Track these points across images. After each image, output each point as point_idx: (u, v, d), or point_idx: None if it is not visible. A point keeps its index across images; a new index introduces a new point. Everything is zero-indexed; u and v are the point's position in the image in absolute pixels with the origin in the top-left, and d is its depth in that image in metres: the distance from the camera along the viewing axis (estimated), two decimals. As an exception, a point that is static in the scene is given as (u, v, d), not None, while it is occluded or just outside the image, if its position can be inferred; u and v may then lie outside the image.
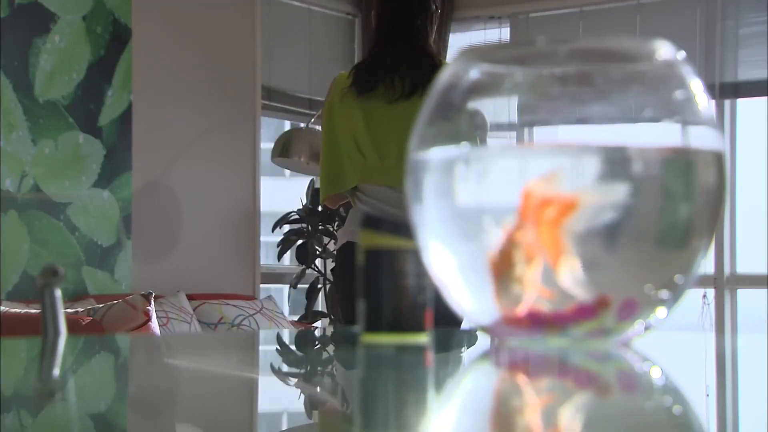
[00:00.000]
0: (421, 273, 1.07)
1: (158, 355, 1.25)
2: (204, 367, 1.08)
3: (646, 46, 0.96)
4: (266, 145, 5.38)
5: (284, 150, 4.84)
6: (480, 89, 0.98)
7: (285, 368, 1.14)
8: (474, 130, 0.95)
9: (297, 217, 5.20)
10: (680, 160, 0.93)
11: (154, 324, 4.02)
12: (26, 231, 4.31)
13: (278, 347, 1.42)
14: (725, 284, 5.29)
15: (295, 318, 5.27)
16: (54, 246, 4.40)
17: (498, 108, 1.00)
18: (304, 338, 1.64)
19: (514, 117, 0.98)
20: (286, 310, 5.51)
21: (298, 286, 5.23)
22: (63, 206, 4.44)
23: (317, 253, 5.18)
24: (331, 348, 1.40)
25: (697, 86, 0.95)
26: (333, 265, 5.22)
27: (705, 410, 0.78)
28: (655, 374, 0.95)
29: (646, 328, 0.94)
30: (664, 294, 0.92)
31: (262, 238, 5.37)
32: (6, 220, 4.24)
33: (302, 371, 1.13)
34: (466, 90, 0.98)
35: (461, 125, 0.96)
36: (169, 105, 4.94)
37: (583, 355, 0.95)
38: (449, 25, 5.84)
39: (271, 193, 5.83)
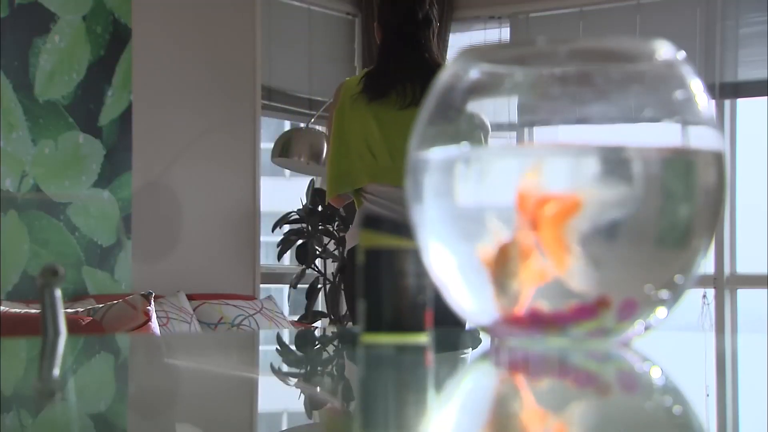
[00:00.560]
0: (421, 273, 1.07)
1: (158, 355, 1.25)
2: (204, 367, 1.08)
3: (646, 46, 0.96)
4: (266, 145, 5.38)
5: (284, 150, 4.84)
6: (480, 89, 0.98)
7: (285, 368, 1.14)
8: (475, 131, 0.95)
9: (297, 217, 5.20)
10: (680, 160, 0.93)
11: (154, 324, 4.02)
12: (26, 231, 4.31)
13: (278, 347, 1.42)
14: (725, 284, 5.29)
15: (295, 318, 5.27)
16: (54, 246, 4.40)
17: (498, 108, 1.00)
18: (304, 338, 1.64)
19: (514, 117, 0.98)
20: (286, 310, 5.51)
21: (298, 286, 5.23)
22: (63, 206, 4.44)
23: (317, 253, 5.18)
24: (331, 348, 1.40)
25: (697, 86, 0.95)
26: (335, 265, 5.26)
27: (705, 410, 0.78)
28: (655, 374, 0.95)
29: (646, 328, 0.94)
30: (664, 294, 0.92)
31: (262, 238, 5.37)
32: (6, 220, 4.24)
33: (302, 371, 1.13)
34: (466, 90, 0.98)
35: (461, 127, 0.96)
36: (169, 105, 4.94)
37: (583, 355, 0.95)
38: (449, 25, 5.84)
39: (271, 193, 5.83)
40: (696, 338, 1.69)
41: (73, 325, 3.63)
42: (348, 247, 2.94)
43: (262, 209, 5.33)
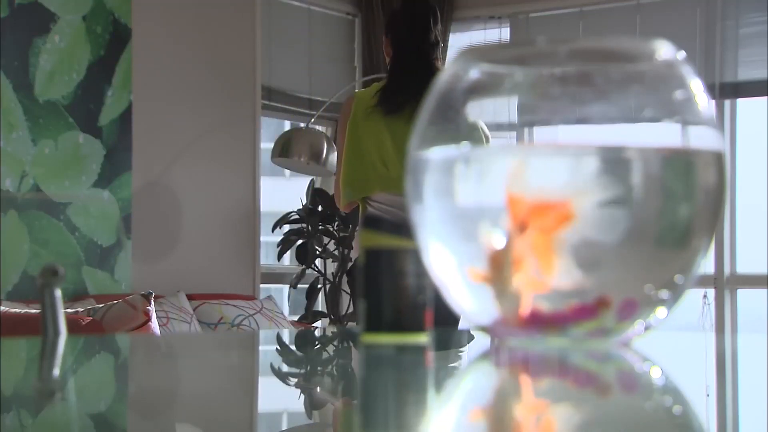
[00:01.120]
0: (421, 273, 1.07)
1: (158, 355, 1.25)
2: (204, 367, 1.08)
3: (646, 46, 0.96)
4: (266, 145, 5.38)
5: (284, 150, 4.84)
6: (480, 89, 0.98)
7: (285, 368, 1.14)
8: (475, 138, 0.95)
9: (297, 217, 5.20)
10: (680, 160, 0.93)
11: (154, 324, 4.01)
12: (26, 231, 4.31)
13: (278, 347, 1.42)
14: (725, 284, 5.29)
15: (295, 318, 5.27)
16: (54, 246, 4.40)
17: (498, 108, 1.00)
18: (304, 338, 1.64)
19: (514, 117, 0.98)
20: (286, 310, 5.51)
21: (298, 286, 5.23)
22: (63, 206, 4.44)
23: (317, 253, 5.18)
24: (331, 348, 1.40)
25: (697, 86, 0.95)
26: (335, 265, 5.25)
27: (705, 410, 0.78)
28: (655, 374, 0.95)
29: (646, 328, 0.94)
30: (664, 294, 0.92)
31: (262, 238, 5.37)
32: (6, 220, 4.24)
33: (302, 371, 1.13)
34: (466, 90, 0.98)
35: (462, 131, 0.96)
36: (169, 105, 4.94)
37: (583, 355, 0.95)
38: (449, 25, 5.84)
39: (271, 193, 5.83)
40: (696, 338, 1.69)
41: (73, 325, 3.63)
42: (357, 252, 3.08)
43: (262, 209, 5.33)
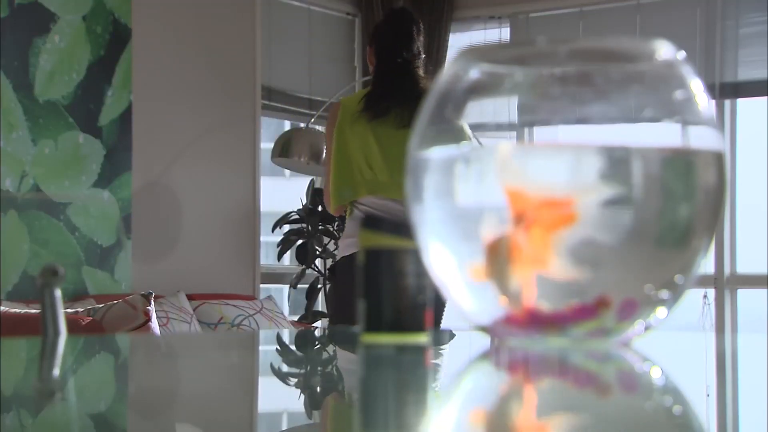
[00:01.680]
0: (421, 273, 1.07)
1: (158, 355, 1.25)
2: (204, 367, 1.08)
3: (646, 46, 0.96)
4: (266, 145, 5.38)
5: (284, 150, 4.84)
6: (480, 89, 0.98)
7: (285, 368, 1.14)
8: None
9: (297, 217, 5.20)
10: (680, 160, 0.93)
11: (154, 324, 4.01)
12: (26, 231, 4.31)
13: (278, 347, 1.42)
14: (725, 284, 5.29)
15: (295, 318, 5.27)
16: (54, 246, 4.40)
17: (498, 108, 1.00)
18: (304, 338, 1.64)
19: (514, 117, 0.98)
20: (286, 310, 5.51)
21: (298, 286, 5.23)
22: (63, 206, 4.44)
23: (317, 253, 5.18)
24: (331, 348, 1.40)
25: (697, 86, 0.95)
26: (330, 265, 5.26)
27: (705, 410, 0.78)
28: (656, 374, 0.95)
29: (647, 328, 0.94)
30: (665, 294, 0.92)
31: (262, 238, 5.37)
32: (6, 220, 4.24)
33: (302, 371, 1.13)
34: (466, 90, 0.98)
35: (447, 135, 0.96)
36: (169, 105, 4.94)
37: (583, 355, 0.95)
38: (449, 25, 5.84)
39: (271, 193, 5.83)
40: (696, 338, 1.69)
41: (73, 325, 3.63)
42: (341, 255, 3.19)
43: (262, 209, 5.33)
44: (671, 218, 0.91)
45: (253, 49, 5.31)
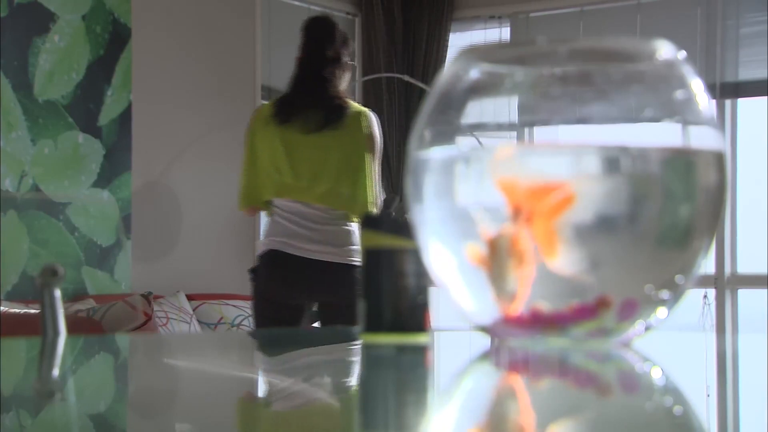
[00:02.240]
0: (421, 273, 1.07)
1: (158, 355, 1.25)
2: (204, 367, 1.08)
3: (647, 46, 0.96)
4: (266, 145, 5.37)
5: (284, 150, 4.84)
6: (480, 89, 0.98)
7: (285, 368, 1.14)
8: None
9: (297, 217, 5.20)
10: (681, 160, 0.93)
11: (154, 324, 4.01)
12: (26, 231, 4.31)
13: (278, 347, 1.42)
14: (726, 284, 5.29)
15: (295, 318, 5.27)
16: (53, 246, 4.40)
17: (498, 108, 1.00)
18: (304, 338, 1.64)
19: (515, 117, 0.98)
20: (286, 310, 5.50)
21: (298, 286, 5.22)
22: (62, 206, 4.44)
23: (317, 253, 5.18)
24: (331, 348, 1.39)
25: (697, 86, 0.95)
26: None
27: (706, 410, 0.78)
28: (656, 374, 0.94)
29: (647, 329, 0.94)
30: (665, 294, 0.92)
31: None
32: (5, 220, 4.24)
33: (302, 371, 1.13)
34: (466, 90, 0.97)
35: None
36: (169, 105, 4.94)
37: (583, 355, 0.95)
38: (449, 25, 5.84)
39: (271, 193, 5.82)
40: (697, 338, 1.69)
41: (73, 325, 3.62)
42: (260, 252, 3.36)
43: (262, 209, 5.33)
44: (671, 218, 0.91)
45: (253, 49, 5.31)
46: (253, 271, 3.38)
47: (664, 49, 0.95)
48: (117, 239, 4.65)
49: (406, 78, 5.64)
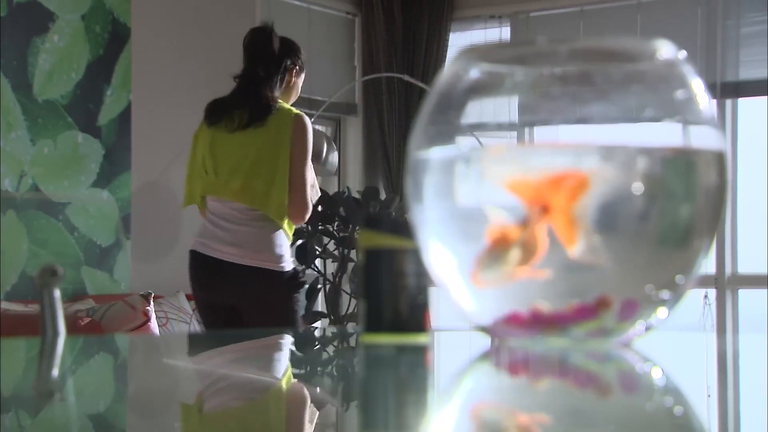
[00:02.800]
0: (421, 273, 1.07)
1: (158, 355, 1.25)
2: (203, 368, 1.08)
3: (647, 46, 0.96)
4: (266, 145, 5.37)
5: (284, 150, 4.83)
6: (480, 89, 0.98)
7: (284, 368, 1.14)
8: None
9: (297, 216, 5.20)
10: (681, 160, 0.93)
11: (154, 324, 4.01)
12: (25, 231, 4.31)
13: (278, 347, 1.42)
14: (726, 284, 5.29)
15: (295, 318, 5.26)
16: (53, 246, 4.40)
17: (498, 108, 1.00)
18: (304, 338, 1.64)
19: (515, 117, 0.98)
20: (285, 309, 5.49)
21: (298, 286, 5.22)
22: (62, 206, 4.44)
23: (317, 253, 5.18)
24: (331, 348, 1.39)
25: (698, 86, 0.95)
26: (335, 265, 5.28)
27: (706, 410, 0.78)
28: (656, 375, 0.94)
29: (647, 329, 0.94)
30: (665, 294, 0.92)
31: (262, 238, 5.36)
32: (5, 220, 4.24)
33: (302, 371, 1.13)
34: (467, 90, 0.97)
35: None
36: (168, 105, 4.94)
37: (583, 355, 0.95)
38: (449, 25, 5.84)
39: (271, 193, 5.81)
40: (697, 338, 1.69)
41: (73, 325, 3.63)
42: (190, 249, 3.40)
43: (261, 209, 5.32)
44: (672, 218, 0.91)
45: (253, 48, 5.30)
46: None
47: (665, 49, 0.95)
48: (116, 239, 4.65)
49: (406, 78, 5.64)
